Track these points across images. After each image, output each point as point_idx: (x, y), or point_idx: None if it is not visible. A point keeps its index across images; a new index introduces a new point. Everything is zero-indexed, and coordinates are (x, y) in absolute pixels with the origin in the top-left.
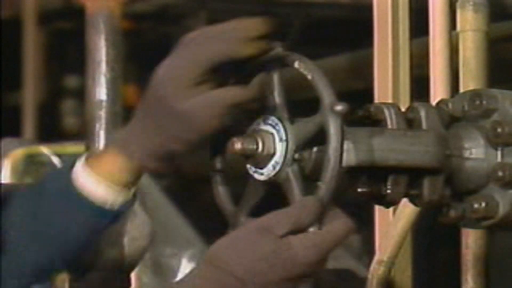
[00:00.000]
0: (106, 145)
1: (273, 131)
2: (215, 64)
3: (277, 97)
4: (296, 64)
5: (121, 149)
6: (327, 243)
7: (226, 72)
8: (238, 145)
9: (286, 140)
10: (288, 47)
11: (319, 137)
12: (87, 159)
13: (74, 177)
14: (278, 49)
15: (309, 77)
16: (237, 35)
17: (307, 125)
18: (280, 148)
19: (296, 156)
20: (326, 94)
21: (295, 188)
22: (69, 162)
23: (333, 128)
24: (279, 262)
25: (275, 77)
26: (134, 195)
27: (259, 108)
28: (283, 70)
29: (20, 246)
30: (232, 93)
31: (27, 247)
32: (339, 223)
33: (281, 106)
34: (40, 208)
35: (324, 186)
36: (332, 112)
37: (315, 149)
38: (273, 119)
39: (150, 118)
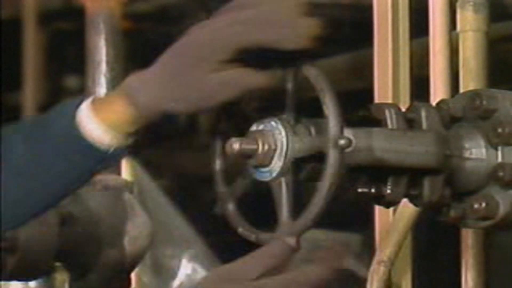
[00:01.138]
0: (116, 88)
1: (275, 137)
2: (256, 47)
3: (287, 102)
4: (312, 79)
5: (128, 97)
6: (296, 285)
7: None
8: (236, 146)
9: (286, 152)
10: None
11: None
12: (92, 102)
13: (79, 119)
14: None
15: (322, 98)
16: (292, 27)
17: (309, 143)
18: (278, 157)
19: (292, 167)
20: (333, 123)
21: (284, 202)
22: (75, 101)
23: (331, 164)
24: None
25: (290, 83)
26: (131, 144)
27: (264, 108)
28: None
29: (6, 178)
30: (253, 78)
31: (12, 180)
32: (313, 267)
33: (288, 113)
34: (41, 146)
35: (304, 217)
36: (335, 146)
37: (311, 166)
38: (277, 124)
39: (167, 73)
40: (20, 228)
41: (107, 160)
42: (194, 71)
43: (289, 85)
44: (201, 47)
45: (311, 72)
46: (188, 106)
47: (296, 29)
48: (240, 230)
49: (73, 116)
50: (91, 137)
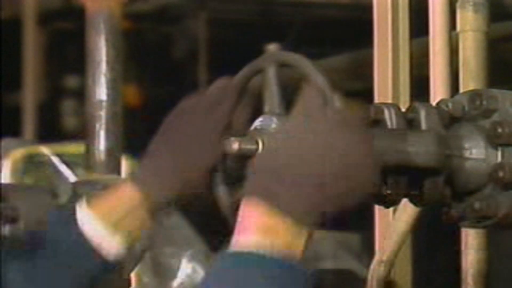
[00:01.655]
0: (115, 183)
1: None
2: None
3: (275, 97)
4: (294, 62)
5: (142, 188)
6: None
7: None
8: (235, 145)
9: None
10: (286, 47)
11: None
12: (89, 201)
13: (81, 225)
14: (275, 49)
15: (307, 73)
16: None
17: None
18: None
19: None
20: (325, 88)
21: None
22: (70, 203)
23: None
24: None
25: (272, 77)
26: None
27: (260, 108)
28: (280, 70)
29: None
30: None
31: None
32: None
33: (279, 106)
34: (49, 259)
35: None
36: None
37: None
38: (272, 119)
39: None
40: None
41: (113, 265)
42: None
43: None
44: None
45: (291, 57)
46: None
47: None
48: None
49: (73, 220)
50: (96, 243)
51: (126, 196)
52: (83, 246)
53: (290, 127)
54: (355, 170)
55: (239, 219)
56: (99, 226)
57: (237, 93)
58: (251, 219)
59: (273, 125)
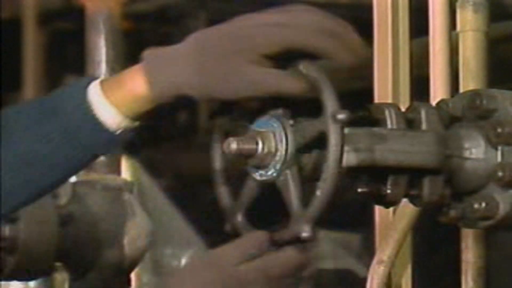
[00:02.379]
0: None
1: (274, 132)
2: (297, 50)
3: (280, 98)
4: (301, 67)
5: (146, 73)
6: (274, 268)
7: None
8: (233, 145)
9: (287, 143)
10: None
11: (319, 141)
12: (104, 81)
13: (91, 100)
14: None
15: (314, 81)
16: (345, 41)
17: (308, 128)
18: (280, 149)
19: (296, 159)
20: (329, 101)
21: (292, 193)
22: (85, 80)
23: (333, 138)
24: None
25: None
26: (137, 126)
27: (261, 107)
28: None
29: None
30: (290, 83)
31: (15, 164)
32: (291, 250)
33: (283, 107)
34: (52, 125)
35: (318, 198)
36: (334, 121)
37: (314, 153)
38: (274, 120)
39: (197, 55)
40: (28, 205)
41: (113, 142)
42: (232, 59)
43: None
44: (245, 37)
45: (299, 60)
46: (210, 93)
47: (349, 44)
48: None
49: (83, 97)
50: (102, 118)
51: (136, 84)
52: (92, 120)
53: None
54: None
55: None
56: (108, 104)
57: None
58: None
59: (275, 126)
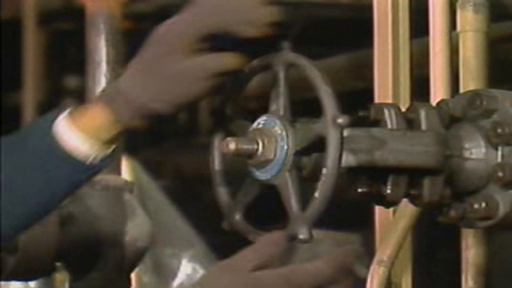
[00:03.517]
0: (93, 99)
1: (275, 133)
2: (215, 33)
3: (281, 98)
4: (302, 69)
5: (107, 103)
6: (299, 278)
7: (227, 45)
8: (232, 146)
9: (287, 144)
10: (294, 49)
11: (319, 142)
12: (70, 112)
13: (56, 130)
14: (286, 50)
15: (315, 84)
16: (247, 14)
17: (308, 131)
18: (280, 151)
19: (295, 160)
20: (329, 105)
21: (291, 194)
22: (52, 114)
23: (332, 143)
24: None
25: (281, 78)
26: (114, 151)
27: (261, 107)
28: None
29: None
30: (223, 59)
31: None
32: (321, 263)
33: (284, 108)
34: (20, 160)
35: (316, 200)
36: (333, 125)
37: (314, 155)
38: (275, 121)
39: (140, 75)
40: (7, 241)
41: (88, 170)
42: (166, 60)
43: (284, 83)
44: (171, 37)
45: (301, 61)
46: (169, 102)
47: (252, 16)
48: (251, 238)
49: (49, 127)
50: (68, 147)
51: (97, 112)
52: (58, 149)
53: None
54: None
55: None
56: (73, 132)
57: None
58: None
59: (276, 127)
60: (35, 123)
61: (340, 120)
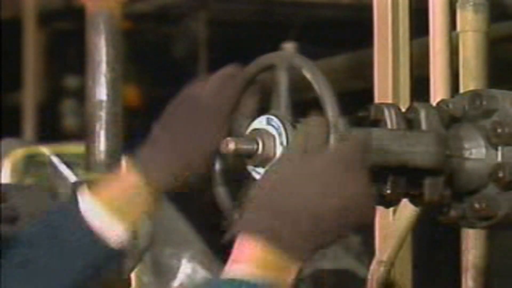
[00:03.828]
0: (111, 171)
1: (275, 133)
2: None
3: (283, 99)
4: (305, 72)
5: (141, 171)
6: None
7: None
8: (231, 145)
9: (287, 143)
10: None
11: None
12: (91, 188)
13: (84, 213)
14: (290, 51)
15: (317, 88)
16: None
17: None
18: (280, 151)
19: None
20: (330, 110)
21: None
22: (73, 189)
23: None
24: None
25: (283, 79)
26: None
27: (262, 107)
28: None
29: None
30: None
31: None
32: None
33: (285, 108)
34: (51, 248)
35: None
36: (334, 131)
37: None
38: (276, 121)
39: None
40: None
41: (120, 254)
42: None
43: (283, 83)
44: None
45: (303, 63)
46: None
47: None
48: None
49: (76, 208)
50: (101, 231)
51: (128, 182)
52: (87, 234)
53: (289, 162)
54: (352, 206)
55: (234, 251)
56: (102, 213)
57: (245, 81)
58: (246, 251)
59: (275, 127)
60: (60, 207)
61: (340, 126)
